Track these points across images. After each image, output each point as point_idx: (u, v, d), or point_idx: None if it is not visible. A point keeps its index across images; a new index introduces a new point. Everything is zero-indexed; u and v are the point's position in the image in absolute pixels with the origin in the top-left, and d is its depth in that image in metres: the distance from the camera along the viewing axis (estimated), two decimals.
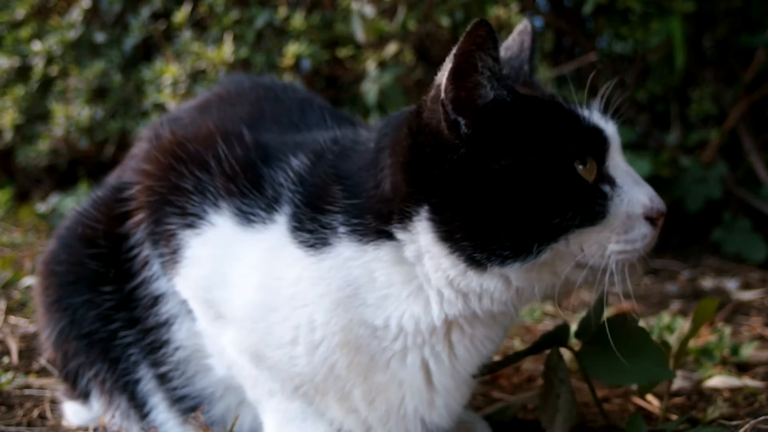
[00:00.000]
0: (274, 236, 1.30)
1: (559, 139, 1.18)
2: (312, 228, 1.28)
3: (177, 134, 1.46)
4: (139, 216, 1.44)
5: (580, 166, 1.18)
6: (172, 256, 1.39)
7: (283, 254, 1.29)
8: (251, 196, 1.33)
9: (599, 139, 1.21)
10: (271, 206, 1.32)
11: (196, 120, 1.53)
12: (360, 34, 3.11)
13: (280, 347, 1.31)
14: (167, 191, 1.39)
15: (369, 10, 3.12)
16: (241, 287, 1.32)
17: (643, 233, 1.20)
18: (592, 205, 1.17)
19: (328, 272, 1.27)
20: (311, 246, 1.28)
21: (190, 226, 1.36)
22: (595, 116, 1.25)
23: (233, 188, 1.33)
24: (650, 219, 1.21)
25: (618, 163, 1.23)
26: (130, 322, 1.49)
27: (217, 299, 1.35)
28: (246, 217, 1.32)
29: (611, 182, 1.21)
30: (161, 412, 1.53)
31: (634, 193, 1.21)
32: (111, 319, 1.50)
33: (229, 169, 1.35)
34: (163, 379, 1.49)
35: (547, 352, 1.47)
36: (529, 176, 1.15)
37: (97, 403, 1.60)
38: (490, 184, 1.15)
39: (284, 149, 1.37)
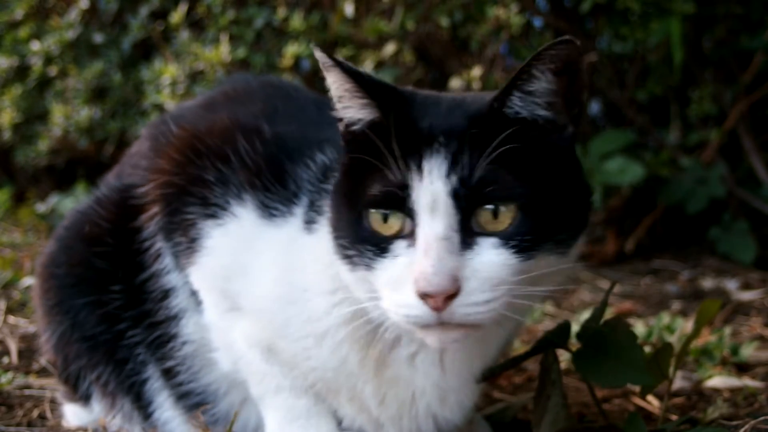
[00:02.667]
0: (292, 229, 1.32)
1: (363, 182, 1.16)
2: (315, 209, 1.31)
3: (191, 129, 1.46)
4: (154, 209, 1.45)
5: (375, 213, 1.14)
6: (189, 245, 1.39)
7: (297, 244, 1.31)
8: (274, 191, 1.34)
9: (400, 197, 1.12)
10: (291, 200, 1.33)
11: (204, 117, 1.53)
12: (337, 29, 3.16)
13: (297, 341, 1.32)
14: (187, 182, 1.40)
15: (350, 10, 3.13)
16: (261, 279, 1.33)
17: (412, 303, 1.10)
18: (365, 253, 1.15)
19: (324, 254, 1.26)
20: (312, 229, 1.31)
21: (212, 216, 1.36)
22: (420, 172, 1.12)
23: (257, 182, 1.34)
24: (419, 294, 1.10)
25: (423, 227, 1.11)
26: (137, 320, 1.49)
27: (234, 290, 1.36)
28: (268, 210, 1.33)
29: (413, 242, 1.13)
30: (166, 410, 1.53)
31: (413, 262, 1.11)
32: (119, 319, 1.50)
33: (252, 163, 1.36)
34: (169, 374, 1.49)
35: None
36: (338, 198, 1.22)
37: (98, 406, 1.60)
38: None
39: (309, 144, 1.38)
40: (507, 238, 1.11)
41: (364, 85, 1.17)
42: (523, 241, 1.11)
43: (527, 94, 1.14)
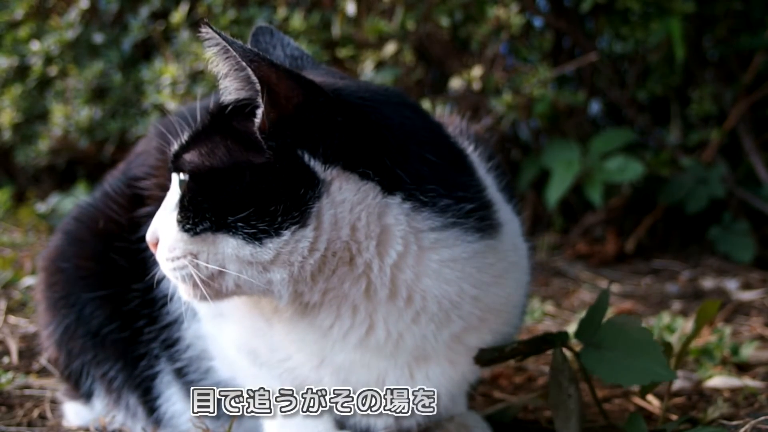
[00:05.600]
0: None
1: None
2: None
3: None
4: (149, 208, 1.46)
5: None
6: None
7: None
8: None
9: None
10: None
11: None
12: (336, 30, 3.17)
13: (263, 338, 1.34)
14: None
15: (352, 9, 3.13)
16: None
17: None
18: None
19: None
20: None
21: None
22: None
23: None
24: None
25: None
26: (153, 318, 1.50)
27: None
28: None
29: None
30: (174, 403, 1.53)
31: None
32: (138, 316, 1.51)
33: None
34: (179, 372, 1.50)
35: (550, 352, 1.47)
36: None
37: (100, 404, 1.60)
38: None
39: None
40: (179, 207, 1.21)
41: None
42: (185, 214, 1.19)
43: (222, 80, 1.19)
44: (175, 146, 1.25)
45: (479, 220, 1.27)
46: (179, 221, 1.20)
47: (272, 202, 1.16)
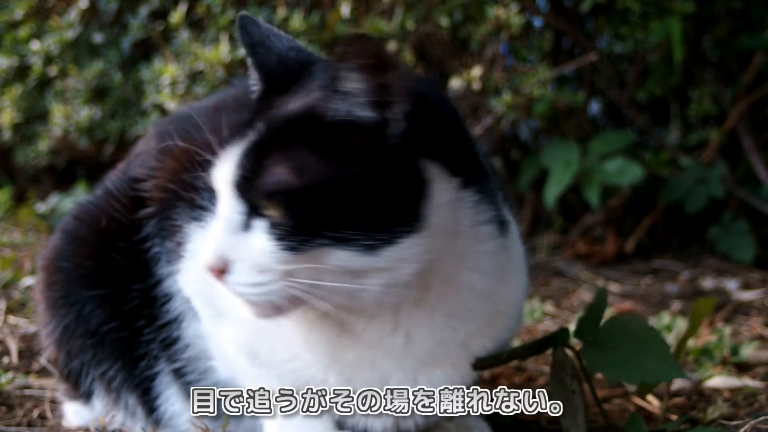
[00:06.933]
0: None
1: None
2: None
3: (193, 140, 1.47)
4: (151, 209, 1.46)
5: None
6: (177, 250, 1.40)
7: None
8: None
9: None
10: None
11: (211, 120, 1.52)
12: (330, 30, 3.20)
13: (267, 339, 1.34)
14: (180, 188, 1.41)
15: (346, 10, 3.13)
16: None
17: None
18: None
19: None
20: None
21: (196, 218, 1.37)
22: (224, 155, 1.19)
23: None
24: None
25: (219, 206, 1.20)
26: (152, 318, 1.49)
27: (216, 295, 1.35)
28: None
29: None
30: (174, 404, 1.53)
31: None
32: (137, 316, 1.50)
33: None
34: (178, 373, 1.50)
35: (549, 353, 1.47)
36: None
37: (100, 404, 1.60)
38: None
39: None
40: (275, 226, 1.12)
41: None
42: (287, 232, 1.12)
43: (343, 94, 1.12)
44: (235, 169, 1.16)
45: (498, 216, 1.28)
46: (277, 242, 1.12)
47: (387, 211, 1.12)
